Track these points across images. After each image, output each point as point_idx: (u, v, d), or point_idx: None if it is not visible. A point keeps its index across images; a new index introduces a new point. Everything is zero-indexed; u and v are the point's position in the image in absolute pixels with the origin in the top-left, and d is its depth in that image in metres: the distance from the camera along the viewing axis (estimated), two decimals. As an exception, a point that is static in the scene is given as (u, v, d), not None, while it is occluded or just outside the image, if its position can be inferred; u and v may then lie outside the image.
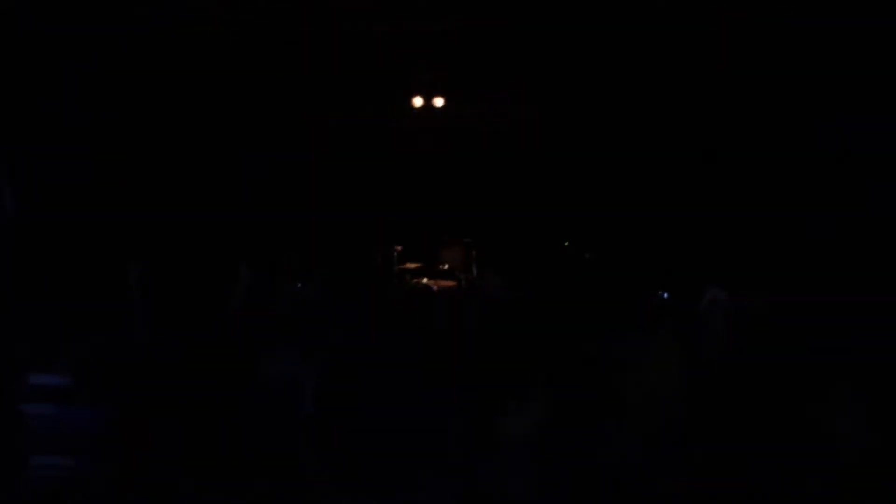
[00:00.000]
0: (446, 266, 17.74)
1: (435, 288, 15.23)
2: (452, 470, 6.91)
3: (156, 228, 12.38)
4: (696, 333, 9.02)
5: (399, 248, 17.74)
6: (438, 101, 17.18)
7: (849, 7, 12.15)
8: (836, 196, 12.62)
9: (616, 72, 14.82)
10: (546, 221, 17.32)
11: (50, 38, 12.26)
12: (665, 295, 11.45)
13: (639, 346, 7.57)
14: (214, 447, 6.95)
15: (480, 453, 6.89)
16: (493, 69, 15.87)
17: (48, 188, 11.28)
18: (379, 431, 7.05)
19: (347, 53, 15.10)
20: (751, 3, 13.22)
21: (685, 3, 13.55)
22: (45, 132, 11.90)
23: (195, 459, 6.89)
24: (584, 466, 6.64)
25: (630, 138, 15.53)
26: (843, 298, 9.42)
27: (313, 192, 16.54)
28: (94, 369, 7.28)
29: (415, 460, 6.90)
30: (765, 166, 13.61)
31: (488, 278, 13.22)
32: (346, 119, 16.70)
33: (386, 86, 16.49)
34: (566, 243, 17.98)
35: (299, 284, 11.45)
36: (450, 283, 16.35)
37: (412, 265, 17.62)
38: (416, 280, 16.50)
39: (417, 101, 17.17)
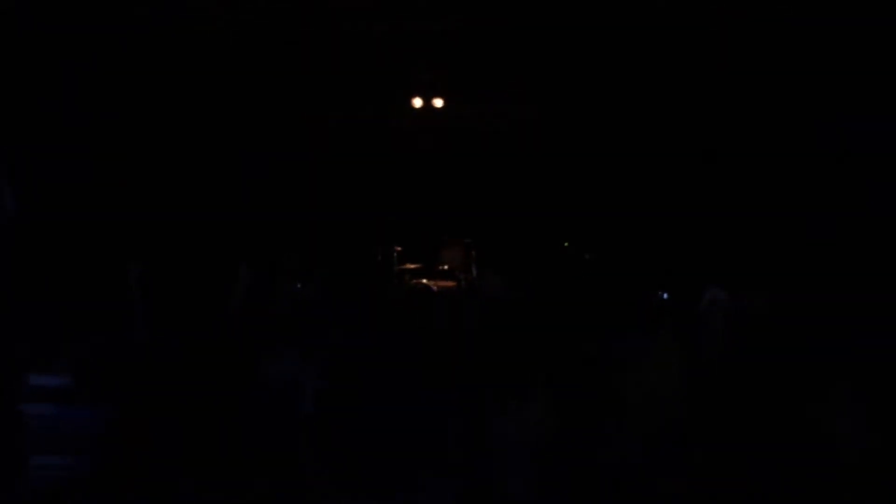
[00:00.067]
0: (446, 266, 17.75)
1: (435, 288, 15.24)
2: (452, 470, 6.91)
3: (156, 228, 12.38)
4: (696, 333, 9.02)
5: (399, 248, 17.75)
6: (438, 102, 17.19)
7: (849, 7, 12.15)
8: (836, 196, 12.62)
9: (616, 72, 14.82)
10: (546, 222, 17.33)
11: (50, 38, 12.25)
12: (665, 295, 11.45)
13: (639, 346, 7.57)
14: (214, 447, 6.95)
15: (480, 453, 6.88)
16: (493, 69, 15.87)
17: (48, 188, 11.27)
18: (379, 431, 7.05)
19: (347, 53, 15.10)
20: (751, 3, 13.22)
21: (685, 3, 13.55)
22: (45, 132, 11.89)
23: (195, 459, 6.89)
24: (584, 466, 6.64)
25: (630, 138, 15.53)
26: (843, 298, 9.42)
27: (313, 192, 16.55)
28: (94, 369, 7.28)
29: (415, 460, 6.90)
30: (765, 166, 13.61)
31: (488, 278, 13.21)
32: (346, 119, 16.71)
33: (386, 86, 16.49)
34: (566, 244, 17.99)
35: (299, 285, 11.45)
36: (449, 283, 16.35)
37: (412, 265, 17.63)
38: (415, 280, 16.50)
39: (417, 102, 17.19)
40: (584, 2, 13.88)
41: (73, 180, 12.11)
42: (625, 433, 6.84)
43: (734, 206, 13.76)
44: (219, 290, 9.46)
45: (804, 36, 12.86)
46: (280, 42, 14.57)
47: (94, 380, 7.20)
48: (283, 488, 6.66)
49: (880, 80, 12.18)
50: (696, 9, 13.53)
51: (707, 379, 7.64)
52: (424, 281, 16.31)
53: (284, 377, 7.55)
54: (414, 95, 17.09)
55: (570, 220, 17.32)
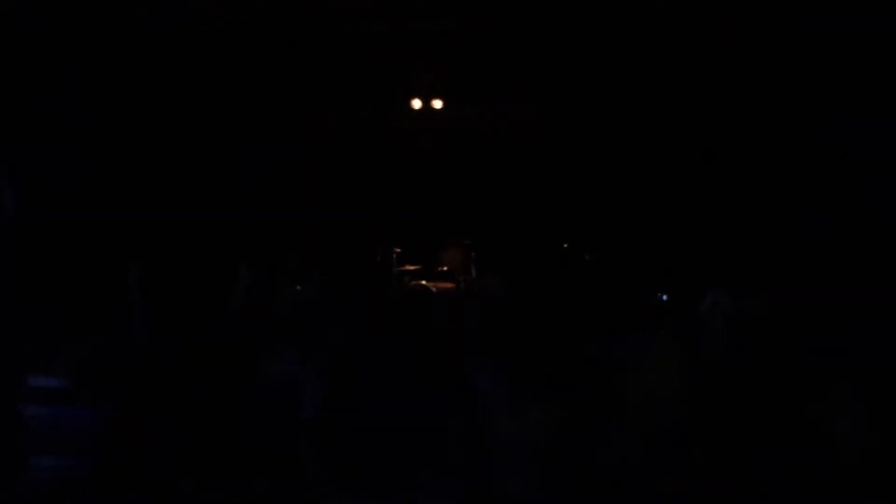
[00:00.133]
0: (445, 268, 17.77)
1: (434, 290, 15.25)
2: (452, 470, 6.91)
3: (156, 228, 12.39)
4: (696, 333, 9.01)
5: (398, 250, 17.77)
6: (438, 102, 17.19)
7: (849, 7, 12.15)
8: (836, 196, 12.62)
9: (616, 72, 14.82)
10: (546, 222, 17.33)
11: (50, 38, 12.25)
12: (664, 297, 11.45)
13: (639, 346, 7.57)
14: (214, 447, 6.95)
15: (480, 453, 6.88)
16: (493, 69, 15.87)
17: (48, 188, 11.27)
18: (379, 431, 7.04)
19: (347, 53, 15.10)
20: (751, 3, 13.22)
21: (685, 3, 13.54)
22: (45, 132, 11.89)
23: (195, 459, 6.89)
24: (585, 466, 6.63)
25: (630, 139, 15.53)
26: (843, 299, 9.42)
27: (313, 192, 16.56)
28: (94, 369, 7.28)
29: (415, 460, 6.89)
30: (765, 166, 13.61)
31: (488, 279, 13.22)
32: (346, 119, 16.71)
33: (386, 86, 16.49)
34: (565, 245, 18.00)
35: (298, 287, 11.45)
36: (449, 284, 16.37)
37: (411, 267, 17.65)
38: (415, 282, 16.52)
39: (417, 102, 17.19)
40: (584, 2, 13.88)
41: (73, 180, 12.11)
42: (625, 433, 6.84)
43: (734, 206, 13.76)
44: (219, 290, 9.46)
45: (804, 36, 12.86)
46: (280, 42, 14.56)
47: (94, 380, 7.20)
48: (283, 488, 6.66)
49: (880, 80, 12.18)
50: (696, 9, 13.52)
51: (707, 379, 7.64)
52: (424, 282, 16.32)
53: (284, 377, 7.55)
54: (414, 96, 17.09)
55: (569, 221, 17.32)
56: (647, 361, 7.30)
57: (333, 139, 16.93)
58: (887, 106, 12.18)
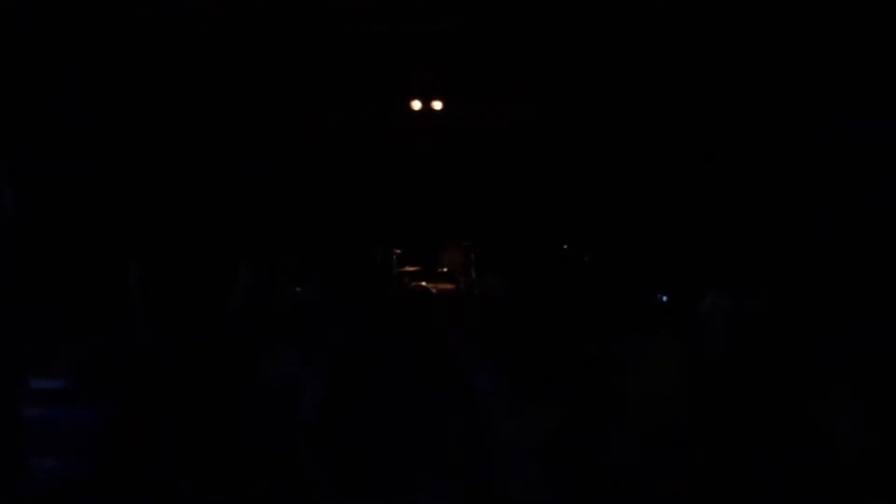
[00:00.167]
0: (445, 269, 17.77)
1: (434, 291, 15.25)
2: (452, 470, 6.90)
3: (156, 228, 12.39)
4: (696, 333, 9.02)
5: (398, 251, 17.77)
6: (438, 102, 17.19)
7: (849, 7, 12.15)
8: (836, 196, 12.62)
9: (616, 72, 14.82)
10: (545, 223, 17.33)
11: (50, 38, 12.25)
12: (664, 298, 11.45)
13: (639, 346, 7.57)
14: (214, 447, 6.95)
15: (480, 453, 6.88)
16: (493, 69, 15.86)
17: (48, 188, 11.28)
18: (379, 431, 7.04)
19: (347, 53, 15.10)
20: (751, 3, 13.22)
21: (685, 3, 13.54)
22: (45, 132, 11.89)
23: (195, 459, 6.89)
24: (585, 466, 6.63)
25: (630, 139, 15.53)
26: (843, 298, 9.42)
27: (313, 192, 16.56)
28: (94, 369, 7.28)
29: (415, 460, 6.89)
30: (765, 166, 13.62)
31: (488, 279, 13.22)
32: (346, 119, 16.71)
33: (386, 86, 16.49)
34: (565, 245, 17.99)
35: (298, 289, 11.45)
36: (448, 285, 16.38)
37: (411, 268, 17.65)
38: (414, 283, 16.52)
39: (417, 102, 17.19)
40: (584, 2, 13.88)
41: (73, 180, 12.12)
42: (625, 433, 6.84)
43: (734, 207, 13.76)
44: (219, 290, 9.46)
45: (804, 36, 12.86)
46: (280, 42, 14.56)
47: (94, 380, 7.20)
48: (283, 488, 6.65)
49: (880, 80, 12.18)
50: (697, 9, 13.52)
51: (707, 379, 7.64)
52: (423, 283, 16.32)
53: (284, 377, 7.55)
54: (414, 96, 17.09)
55: (569, 221, 17.32)
56: (647, 361, 7.30)
57: (333, 139, 16.93)
58: (887, 106, 12.18)
